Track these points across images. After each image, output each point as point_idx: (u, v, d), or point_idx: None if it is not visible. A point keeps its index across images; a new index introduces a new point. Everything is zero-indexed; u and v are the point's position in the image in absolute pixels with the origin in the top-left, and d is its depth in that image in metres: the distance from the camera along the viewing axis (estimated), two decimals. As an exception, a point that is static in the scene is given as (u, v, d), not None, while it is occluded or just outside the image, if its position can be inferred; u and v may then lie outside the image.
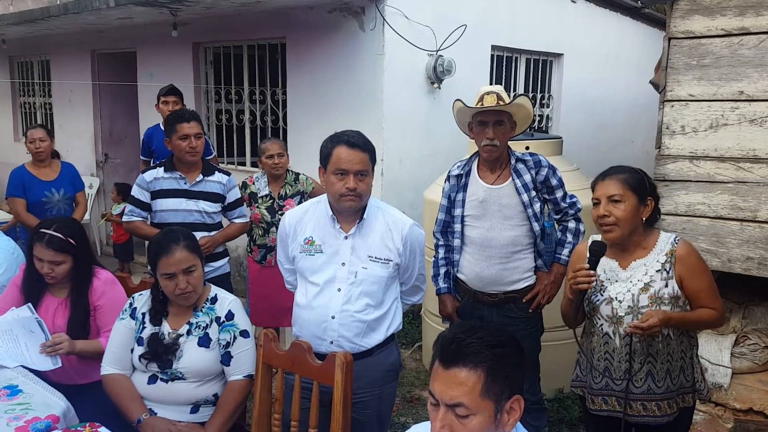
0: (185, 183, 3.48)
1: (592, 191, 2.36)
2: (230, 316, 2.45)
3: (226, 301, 2.49)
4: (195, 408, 2.43)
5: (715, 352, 3.55)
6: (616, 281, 2.33)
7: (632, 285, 2.29)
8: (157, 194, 3.49)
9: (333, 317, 2.34)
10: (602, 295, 2.34)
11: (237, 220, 3.71)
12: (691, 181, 3.42)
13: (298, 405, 2.30)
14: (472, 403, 1.38)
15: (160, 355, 2.38)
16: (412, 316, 5.07)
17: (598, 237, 2.43)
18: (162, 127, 5.16)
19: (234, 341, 2.43)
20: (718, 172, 3.37)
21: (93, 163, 7.92)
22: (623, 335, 2.30)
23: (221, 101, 6.38)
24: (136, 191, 3.52)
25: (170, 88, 4.96)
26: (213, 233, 3.55)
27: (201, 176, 3.50)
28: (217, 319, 2.45)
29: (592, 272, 2.28)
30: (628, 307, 2.28)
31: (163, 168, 3.50)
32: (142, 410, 2.37)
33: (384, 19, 4.90)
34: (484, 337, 1.41)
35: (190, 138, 3.40)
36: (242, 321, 2.48)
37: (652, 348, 2.29)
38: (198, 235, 3.18)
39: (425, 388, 4.22)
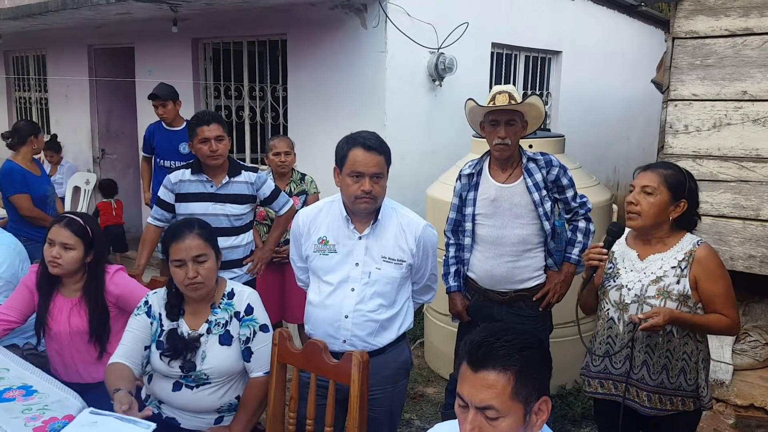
0: (211, 186, 3.32)
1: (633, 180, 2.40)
2: (249, 310, 2.38)
3: (245, 295, 2.41)
4: (219, 419, 2.39)
5: (716, 349, 3.60)
6: (632, 270, 2.36)
7: (644, 276, 2.32)
8: (182, 197, 3.35)
9: (346, 316, 2.34)
10: (614, 282, 2.38)
11: (281, 211, 3.59)
12: (694, 179, 3.46)
13: (314, 403, 2.31)
14: (502, 406, 1.40)
15: (180, 351, 2.30)
16: (415, 313, 5.08)
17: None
18: (164, 125, 5.17)
19: (254, 336, 2.36)
20: (721, 171, 3.41)
21: (90, 158, 7.87)
22: (627, 322, 2.33)
23: (221, 97, 6.35)
24: (161, 192, 3.39)
25: (151, 94, 5.05)
26: (244, 238, 3.44)
27: (227, 178, 3.34)
28: (237, 314, 2.37)
29: (605, 251, 2.32)
30: (635, 295, 2.31)
31: (189, 170, 3.35)
32: (127, 387, 2.16)
33: (386, 16, 4.90)
34: (513, 341, 1.43)
35: (210, 141, 3.25)
36: (261, 315, 2.40)
37: (652, 340, 2.31)
38: (224, 240, 3.07)
39: (428, 385, 4.24)
